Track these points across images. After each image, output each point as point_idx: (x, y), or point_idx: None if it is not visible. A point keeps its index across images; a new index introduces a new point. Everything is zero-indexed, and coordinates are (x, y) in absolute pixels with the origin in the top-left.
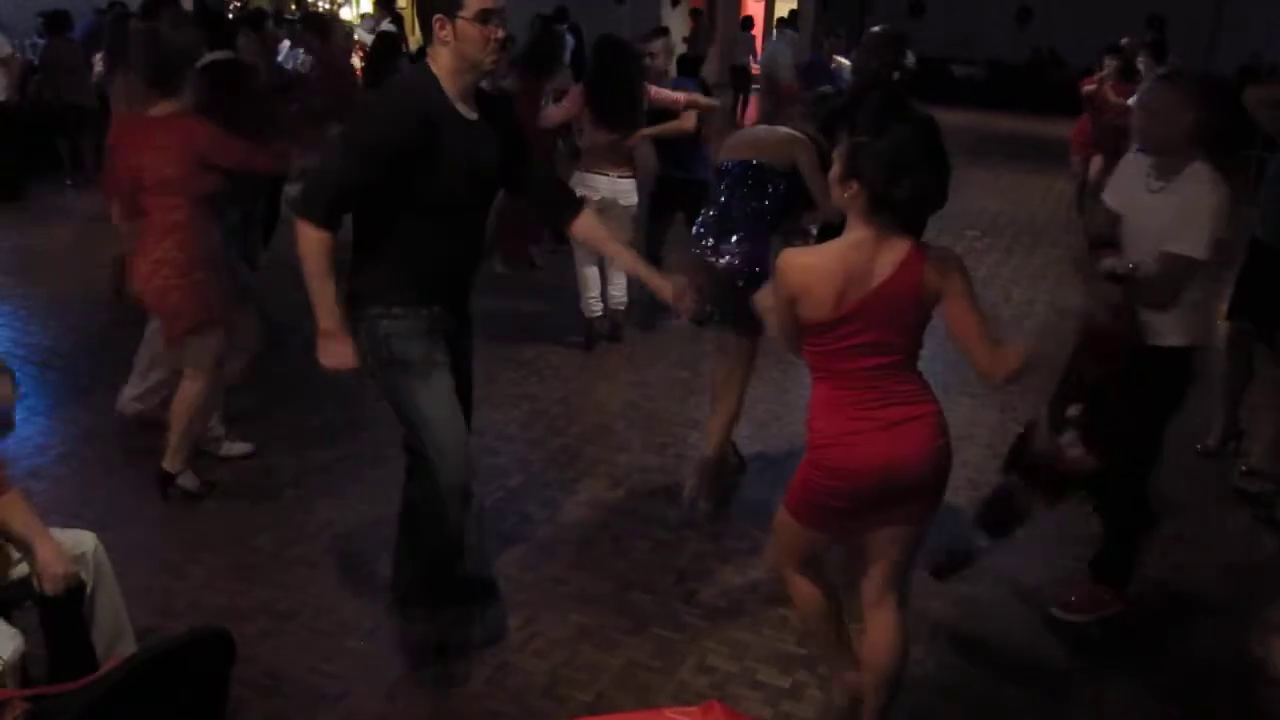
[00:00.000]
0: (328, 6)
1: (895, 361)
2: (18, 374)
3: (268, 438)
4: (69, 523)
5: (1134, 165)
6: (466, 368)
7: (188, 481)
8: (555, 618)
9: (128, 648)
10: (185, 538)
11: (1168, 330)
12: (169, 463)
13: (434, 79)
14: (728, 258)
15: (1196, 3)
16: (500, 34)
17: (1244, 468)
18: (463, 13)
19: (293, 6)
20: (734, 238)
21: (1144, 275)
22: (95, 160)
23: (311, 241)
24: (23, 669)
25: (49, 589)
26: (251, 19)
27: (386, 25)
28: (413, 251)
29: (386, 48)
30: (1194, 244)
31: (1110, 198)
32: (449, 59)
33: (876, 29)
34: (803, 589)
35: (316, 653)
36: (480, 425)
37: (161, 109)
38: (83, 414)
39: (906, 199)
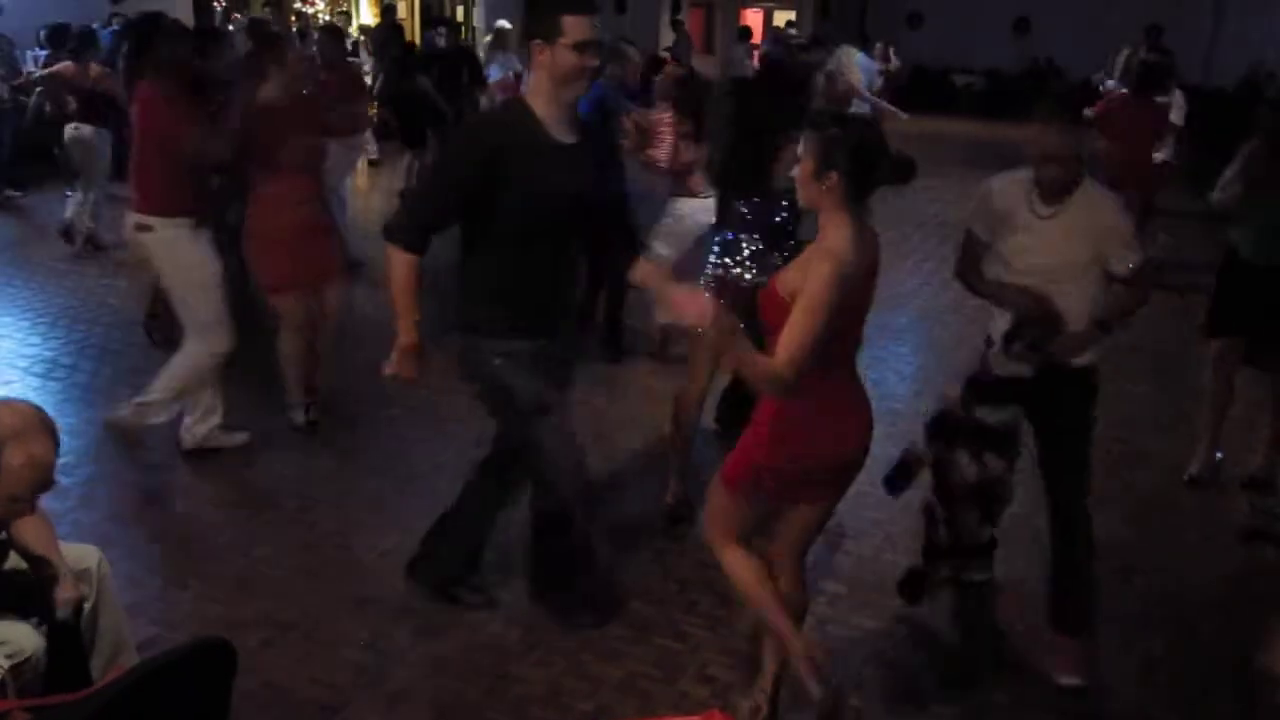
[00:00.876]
0: (327, 18)
1: (856, 350)
2: (19, 384)
3: (269, 448)
4: (70, 533)
5: (1010, 194)
6: (569, 393)
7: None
8: (556, 627)
9: (129, 660)
10: (186, 548)
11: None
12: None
13: (525, 108)
14: (752, 275)
15: (1195, 12)
16: (595, 63)
17: (1247, 478)
18: (562, 39)
19: (292, 18)
20: (764, 256)
21: (1118, 295)
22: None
23: (401, 263)
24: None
25: (60, 613)
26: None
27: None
28: (515, 281)
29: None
30: (1138, 247)
31: (984, 227)
32: (545, 83)
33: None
34: (742, 561)
35: (316, 664)
36: (480, 436)
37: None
38: (84, 425)
39: (881, 179)
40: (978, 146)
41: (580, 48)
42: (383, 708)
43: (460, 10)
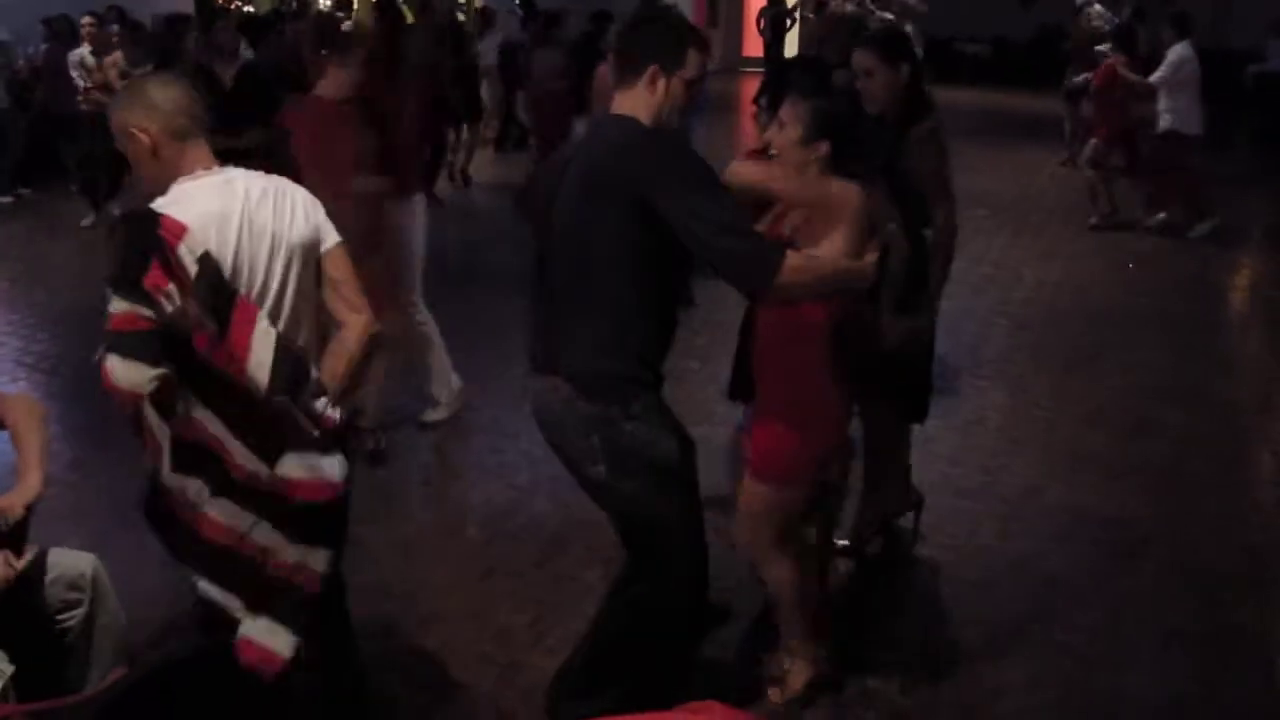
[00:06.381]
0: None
1: None
2: (25, 381)
3: None
4: (78, 527)
5: None
6: None
7: None
8: (565, 615)
9: (129, 665)
10: None
11: None
12: None
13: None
14: None
15: None
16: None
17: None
18: (681, 72)
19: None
20: None
21: None
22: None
23: (789, 271)
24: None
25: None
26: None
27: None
28: (653, 325)
29: None
30: None
31: None
32: (654, 107)
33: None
34: (793, 576)
35: None
36: (485, 422)
37: None
38: (90, 420)
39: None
40: (984, 115)
41: (692, 84)
42: (392, 695)
43: None
